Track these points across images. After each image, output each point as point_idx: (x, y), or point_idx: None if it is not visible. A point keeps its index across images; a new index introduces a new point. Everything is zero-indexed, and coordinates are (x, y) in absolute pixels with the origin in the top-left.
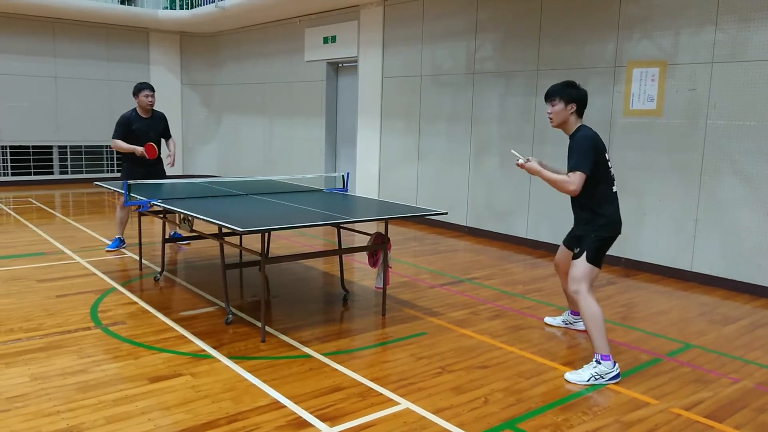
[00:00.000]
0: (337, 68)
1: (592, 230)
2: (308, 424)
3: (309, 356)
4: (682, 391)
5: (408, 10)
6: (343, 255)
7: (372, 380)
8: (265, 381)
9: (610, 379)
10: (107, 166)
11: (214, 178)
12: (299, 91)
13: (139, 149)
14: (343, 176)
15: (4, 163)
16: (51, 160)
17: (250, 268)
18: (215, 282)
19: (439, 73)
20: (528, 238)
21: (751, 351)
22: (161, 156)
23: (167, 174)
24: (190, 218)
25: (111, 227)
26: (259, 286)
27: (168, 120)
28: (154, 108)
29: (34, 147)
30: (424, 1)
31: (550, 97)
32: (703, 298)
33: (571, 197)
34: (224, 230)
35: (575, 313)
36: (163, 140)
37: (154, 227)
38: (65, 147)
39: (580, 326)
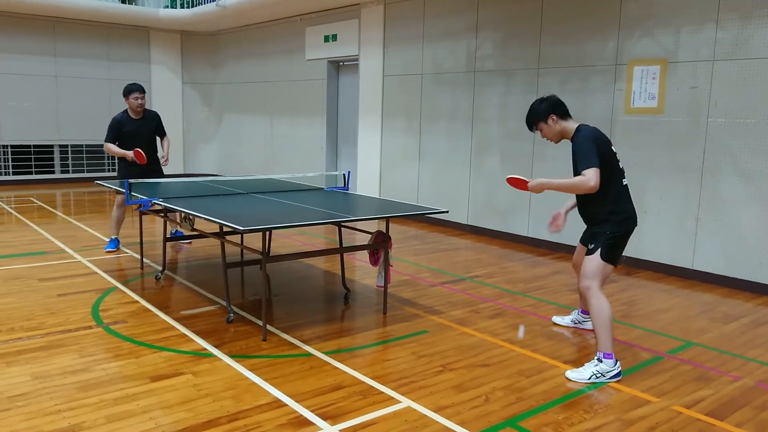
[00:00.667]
0: (337, 67)
1: (607, 227)
2: (309, 423)
3: (310, 355)
4: (683, 389)
5: (409, 8)
6: (344, 253)
7: (373, 378)
8: (266, 379)
9: (611, 378)
10: (108, 165)
11: (215, 177)
12: (300, 89)
13: (129, 155)
14: (344, 175)
15: (5, 162)
16: (52, 159)
17: (251, 266)
18: (216, 281)
19: (439, 71)
20: (529, 236)
21: (752, 349)
22: (157, 156)
23: (164, 173)
24: (191, 217)
25: None
26: (260, 284)
27: (162, 118)
28: (147, 107)
29: (35, 146)
30: None
31: (530, 126)
32: (704, 296)
33: (582, 198)
34: (225, 229)
35: (586, 312)
36: (158, 139)
37: (155, 226)
38: (66, 146)
39: (589, 326)
